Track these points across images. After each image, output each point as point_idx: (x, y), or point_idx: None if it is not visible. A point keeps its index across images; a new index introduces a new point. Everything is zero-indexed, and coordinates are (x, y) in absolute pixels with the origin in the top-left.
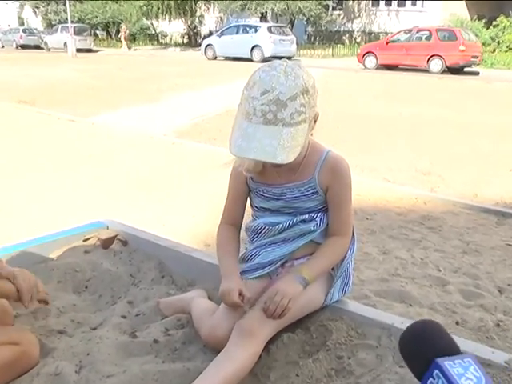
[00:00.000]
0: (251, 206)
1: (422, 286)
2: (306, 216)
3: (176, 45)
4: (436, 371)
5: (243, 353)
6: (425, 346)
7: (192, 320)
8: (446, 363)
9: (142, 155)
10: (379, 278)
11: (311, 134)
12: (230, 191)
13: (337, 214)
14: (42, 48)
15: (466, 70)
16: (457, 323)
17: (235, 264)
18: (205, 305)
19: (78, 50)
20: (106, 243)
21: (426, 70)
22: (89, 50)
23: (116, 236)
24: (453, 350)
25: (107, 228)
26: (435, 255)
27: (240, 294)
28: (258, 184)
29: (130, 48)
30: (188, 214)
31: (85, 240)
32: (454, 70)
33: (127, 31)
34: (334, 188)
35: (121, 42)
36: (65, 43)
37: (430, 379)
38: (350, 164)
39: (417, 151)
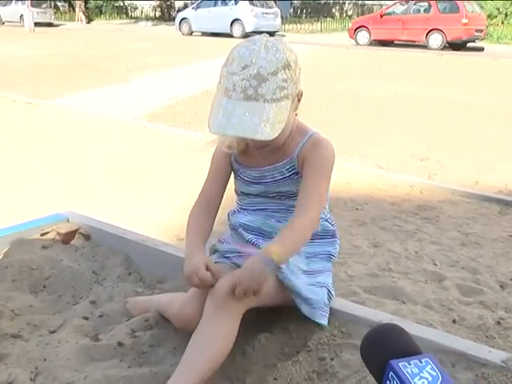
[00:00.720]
0: (235, 190)
1: (416, 282)
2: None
3: (147, 19)
4: (391, 373)
5: (219, 331)
6: (381, 349)
7: (161, 315)
8: (400, 364)
9: (108, 141)
10: (369, 273)
11: (295, 114)
12: (210, 172)
13: (305, 190)
14: None
15: (469, 45)
16: (454, 321)
17: (200, 242)
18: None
19: (37, 24)
20: (67, 238)
21: (425, 46)
22: (49, 24)
23: (77, 230)
24: (411, 351)
25: (68, 221)
26: (431, 248)
27: (207, 269)
28: (240, 166)
29: (89, 22)
30: (159, 205)
31: (42, 234)
32: (456, 46)
33: (82, 3)
34: (308, 163)
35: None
36: (21, 16)
37: (387, 382)
38: (338, 149)
39: (413, 135)
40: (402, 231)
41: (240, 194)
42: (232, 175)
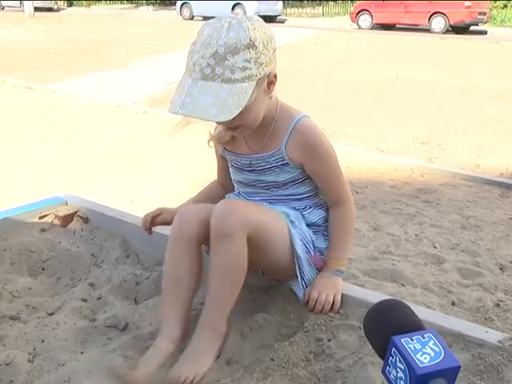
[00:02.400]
0: (233, 180)
1: (416, 265)
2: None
3: (148, 3)
4: (393, 349)
5: (229, 257)
6: (384, 326)
7: None
8: (403, 340)
9: (108, 126)
10: (369, 256)
11: (270, 97)
12: (217, 159)
13: (325, 185)
14: None
15: (472, 28)
16: (453, 304)
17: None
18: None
19: (37, 9)
20: (65, 220)
21: (427, 30)
22: (49, 9)
23: (76, 213)
24: (415, 327)
25: (66, 204)
26: (431, 231)
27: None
28: (229, 153)
29: (71, 6)
30: (159, 188)
31: (41, 217)
32: (459, 29)
33: None
34: (311, 163)
35: None
36: (21, 1)
37: (390, 358)
38: (339, 133)
39: (414, 118)
40: (402, 214)
41: (236, 182)
42: None
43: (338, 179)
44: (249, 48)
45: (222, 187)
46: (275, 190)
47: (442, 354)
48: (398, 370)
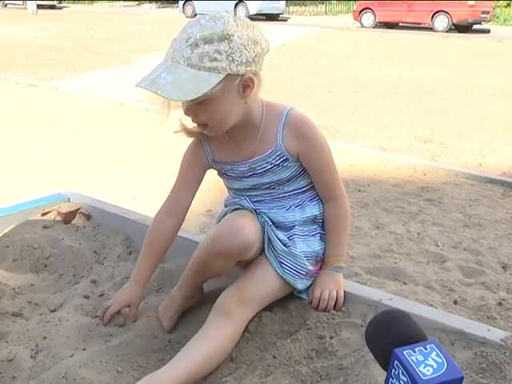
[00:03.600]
0: (226, 187)
1: (418, 263)
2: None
3: (151, 1)
4: (396, 361)
5: (220, 333)
6: (387, 337)
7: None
8: (405, 352)
9: (111, 123)
10: (371, 255)
11: (245, 102)
12: (178, 178)
13: (320, 179)
14: None
15: (475, 27)
16: (455, 302)
17: (149, 268)
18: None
19: (40, 7)
20: (68, 217)
21: (430, 28)
22: (52, 7)
23: (78, 209)
24: (417, 338)
25: (69, 200)
26: (433, 229)
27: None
28: (221, 164)
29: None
30: (162, 186)
31: (43, 214)
32: (462, 28)
33: None
34: (306, 154)
35: None
36: None
37: (393, 370)
38: (341, 131)
39: (417, 117)
40: (404, 213)
41: (233, 190)
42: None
43: (330, 171)
44: (223, 40)
45: (173, 219)
46: (280, 187)
47: (445, 366)
48: (401, 382)
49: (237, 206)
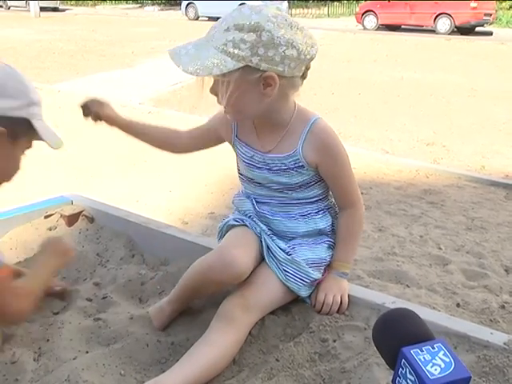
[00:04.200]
0: (238, 173)
1: (421, 266)
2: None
3: (154, 3)
4: (403, 360)
5: (224, 340)
6: (394, 336)
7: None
8: (412, 351)
9: None
10: (374, 257)
11: (269, 97)
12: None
13: (338, 188)
14: (1, 6)
15: (477, 29)
16: (457, 305)
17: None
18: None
19: (42, 9)
20: (71, 220)
21: (433, 31)
22: (54, 9)
23: (81, 212)
24: (425, 337)
25: (71, 203)
26: (436, 232)
27: None
28: (241, 144)
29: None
30: (164, 189)
31: (46, 217)
32: (464, 30)
33: None
34: (326, 165)
35: None
36: (27, 1)
37: (400, 369)
38: (343, 134)
39: (419, 120)
40: (407, 215)
41: (243, 178)
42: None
43: (350, 181)
44: (253, 32)
45: (180, 134)
46: (289, 192)
47: (453, 365)
48: (409, 381)
49: (236, 220)
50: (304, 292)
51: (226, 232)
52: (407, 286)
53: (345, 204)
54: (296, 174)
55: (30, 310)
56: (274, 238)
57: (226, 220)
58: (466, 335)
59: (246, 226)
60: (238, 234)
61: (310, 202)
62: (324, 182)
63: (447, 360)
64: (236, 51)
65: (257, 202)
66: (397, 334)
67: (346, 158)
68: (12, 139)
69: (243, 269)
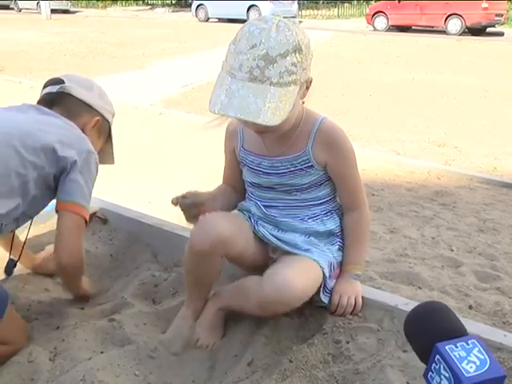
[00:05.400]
0: (245, 179)
1: (433, 268)
2: (306, 195)
3: (164, 5)
4: (437, 356)
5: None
6: (427, 329)
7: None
8: (447, 347)
9: (125, 127)
10: (386, 259)
11: (302, 102)
12: (225, 159)
13: (344, 188)
14: (12, 8)
15: (488, 30)
16: (470, 307)
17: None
18: None
19: (53, 11)
20: None
21: (444, 32)
22: (65, 11)
23: (95, 213)
24: (458, 332)
25: None
26: (448, 234)
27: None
28: (247, 153)
29: None
30: (176, 190)
31: None
32: (476, 31)
33: None
34: (334, 163)
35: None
36: (38, 3)
37: (433, 364)
38: (355, 135)
39: (430, 121)
40: (418, 217)
41: (250, 184)
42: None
43: (356, 182)
44: (296, 52)
45: (233, 188)
46: (298, 193)
47: (488, 363)
48: (442, 377)
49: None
50: (327, 271)
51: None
52: (419, 287)
53: (351, 205)
54: (305, 174)
55: (78, 269)
56: (284, 232)
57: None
58: (479, 337)
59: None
60: (230, 214)
61: (318, 204)
62: (332, 182)
63: (482, 357)
64: (292, 77)
65: (264, 206)
66: (430, 328)
67: (353, 157)
68: (97, 133)
69: (225, 232)
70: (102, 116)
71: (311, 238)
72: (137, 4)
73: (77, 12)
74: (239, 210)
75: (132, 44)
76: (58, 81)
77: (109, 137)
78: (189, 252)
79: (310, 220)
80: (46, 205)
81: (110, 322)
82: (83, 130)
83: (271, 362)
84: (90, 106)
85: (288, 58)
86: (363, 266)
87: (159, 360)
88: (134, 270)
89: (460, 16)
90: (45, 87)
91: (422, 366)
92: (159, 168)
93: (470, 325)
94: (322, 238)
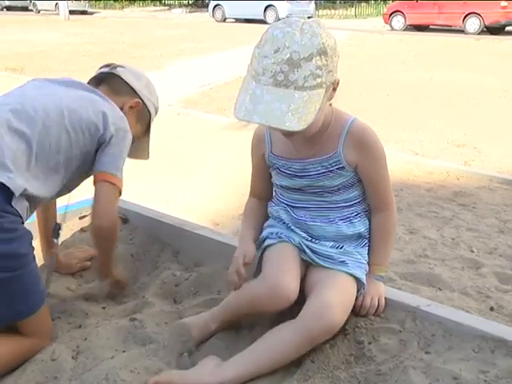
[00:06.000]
0: (273, 182)
1: (453, 269)
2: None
3: (181, 5)
4: None
5: (290, 337)
6: None
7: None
8: None
9: None
10: (405, 260)
11: (330, 104)
12: (252, 167)
13: (374, 189)
14: (31, 10)
15: (507, 29)
16: (491, 309)
17: (249, 230)
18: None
19: (72, 12)
20: None
21: (462, 31)
22: (83, 12)
23: None
24: None
25: None
26: (468, 235)
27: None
28: (277, 158)
29: None
30: (195, 190)
31: (81, 218)
32: (494, 30)
33: None
34: (365, 164)
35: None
36: (56, 4)
37: None
38: None
39: (449, 121)
40: (438, 218)
41: (280, 187)
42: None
43: (386, 183)
44: (321, 55)
45: (261, 200)
46: (328, 195)
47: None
48: None
49: (272, 237)
50: (364, 280)
51: (265, 248)
52: (439, 289)
53: (380, 205)
54: (336, 176)
55: (113, 232)
56: (317, 241)
57: (263, 235)
58: (503, 339)
59: (283, 241)
60: (279, 255)
61: (349, 206)
62: (361, 184)
63: None
64: (318, 81)
65: (293, 207)
66: None
67: (383, 158)
68: (136, 117)
69: (292, 297)
70: (143, 103)
71: (344, 247)
72: (154, 5)
73: (94, 13)
74: (271, 216)
75: (150, 44)
76: (112, 65)
77: (147, 130)
78: (247, 303)
79: (340, 222)
80: (83, 179)
81: (132, 321)
82: (122, 109)
83: (293, 363)
84: (133, 90)
85: (313, 61)
86: (387, 267)
87: (181, 359)
88: (155, 269)
89: (478, 15)
90: (100, 68)
91: (445, 367)
92: (177, 168)
93: (494, 327)
94: (351, 240)
